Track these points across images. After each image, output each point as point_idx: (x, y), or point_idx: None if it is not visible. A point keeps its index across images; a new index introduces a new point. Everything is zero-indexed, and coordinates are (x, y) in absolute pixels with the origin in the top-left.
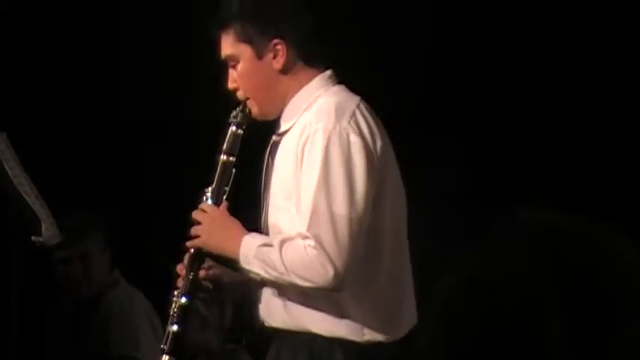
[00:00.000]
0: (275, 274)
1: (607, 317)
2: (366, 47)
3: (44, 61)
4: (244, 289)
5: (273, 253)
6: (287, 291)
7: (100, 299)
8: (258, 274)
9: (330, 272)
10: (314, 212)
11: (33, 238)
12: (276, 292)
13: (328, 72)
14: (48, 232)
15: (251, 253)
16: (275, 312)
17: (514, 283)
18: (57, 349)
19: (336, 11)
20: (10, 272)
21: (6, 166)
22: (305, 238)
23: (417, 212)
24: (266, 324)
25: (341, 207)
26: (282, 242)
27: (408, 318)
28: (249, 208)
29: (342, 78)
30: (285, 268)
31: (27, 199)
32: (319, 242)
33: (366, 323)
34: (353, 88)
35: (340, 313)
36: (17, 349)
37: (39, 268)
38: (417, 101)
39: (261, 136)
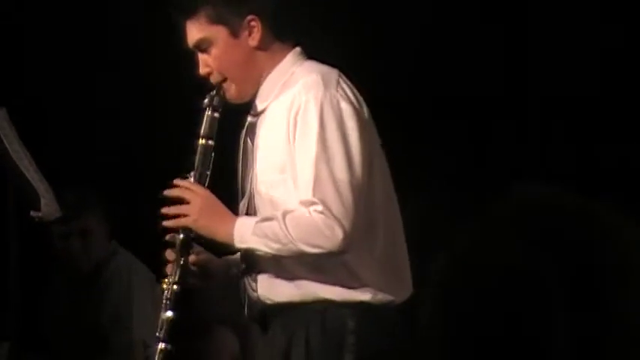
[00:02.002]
0: (277, 246)
1: (604, 295)
2: (351, 21)
3: (43, 36)
4: (229, 274)
5: (275, 226)
6: (294, 264)
7: (100, 272)
8: (256, 250)
9: (340, 235)
10: (317, 179)
11: (32, 213)
12: (281, 267)
13: (298, 48)
14: (47, 207)
15: (248, 231)
16: (280, 287)
17: (510, 261)
18: (57, 322)
19: None
20: (9, 248)
21: (5, 142)
22: (310, 204)
23: (413, 191)
24: (268, 302)
25: (342, 172)
26: (285, 214)
27: (409, 279)
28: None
29: (336, 57)
30: (291, 237)
31: (26, 174)
32: (326, 206)
33: (376, 283)
34: (331, 64)
35: (351, 276)
36: (17, 324)
37: (38, 243)
38: (409, 80)
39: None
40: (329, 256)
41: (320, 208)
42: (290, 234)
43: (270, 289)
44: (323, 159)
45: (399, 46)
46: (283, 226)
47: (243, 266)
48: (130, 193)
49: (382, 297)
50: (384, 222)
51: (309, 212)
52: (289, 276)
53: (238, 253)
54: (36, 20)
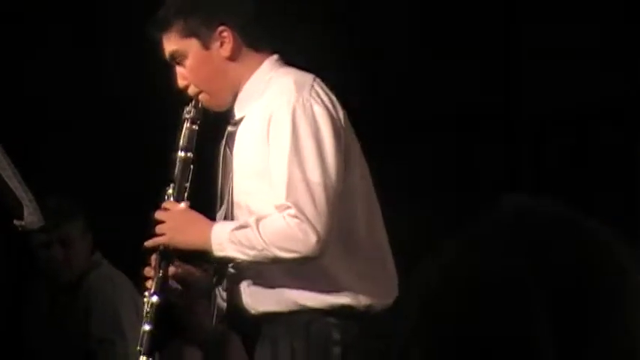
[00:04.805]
0: (253, 252)
1: (591, 309)
2: (341, 33)
3: (26, 52)
4: (210, 286)
5: (249, 233)
6: (276, 272)
7: (82, 282)
8: (234, 259)
9: (313, 238)
10: (290, 182)
11: (15, 222)
12: (263, 276)
13: (275, 56)
14: (31, 216)
15: (224, 239)
16: (265, 296)
17: (496, 273)
18: (37, 333)
19: None
20: None
21: None
22: (284, 208)
23: (402, 201)
24: (253, 312)
25: (315, 174)
26: (258, 220)
27: (394, 282)
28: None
29: (321, 66)
30: (265, 243)
31: (9, 183)
32: (299, 209)
33: (359, 288)
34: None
35: (333, 282)
36: None
37: (19, 252)
38: (400, 90)
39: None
40: (304, 261)
41: (293, 211)
42: (264, 240)
43: (257, 298)
44: (296, 162)
45: (387, 52)
46: (257, 233)
47: (215, 277)
48: (113, 203)
49: (364, 300)
50: (366, 225)
51: (283, 217)
52: (270, 284)
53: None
54: (24, 26)
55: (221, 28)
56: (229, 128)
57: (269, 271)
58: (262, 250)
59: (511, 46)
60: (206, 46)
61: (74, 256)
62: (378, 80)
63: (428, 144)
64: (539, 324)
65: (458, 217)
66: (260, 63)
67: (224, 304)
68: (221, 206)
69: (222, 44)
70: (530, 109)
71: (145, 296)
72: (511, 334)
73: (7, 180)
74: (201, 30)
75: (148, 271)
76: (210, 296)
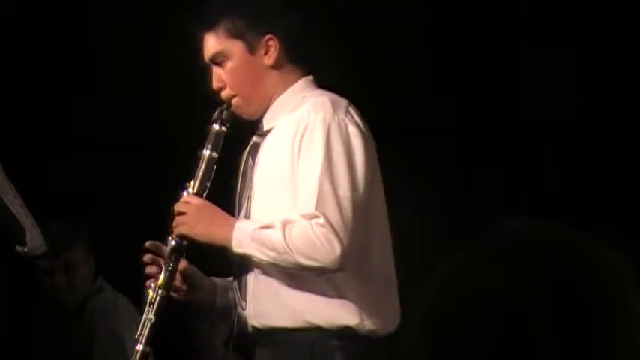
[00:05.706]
0: (273, 254)
1: (591, 327)
2: (349, 49)
3: (24, 66)
4: (213, 292)
5: (273, 234)
6: (283, 285)
7: (86, 306)
8: (251, 257)
9: (338, 250)
10: (320, 194)
11: (17, 247)
12: (269, 289)
13: (310, 76)
14: (33, 241)
15: (246, 236)
16: (270, 310)
17: (498, 292)
18: (42, 358)
19: (321, 12)
20: None
21: None
22: (312, 217)
23: (404, 218)
24: (255, 324)
25: (345, 190)
26: (285, 223)
27: (397, 311)
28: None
29: (327, 79)
30: (288, 247)
31: (11, 208)
32: (327, 220)
33: (366, 312)
34: (336, 90)
35: (341, 302)
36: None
37: (23, 277)
38: (403, 105)
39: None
40: (323, 271)
41: (322, 221)
42: (287, 244)
43: (261, 311)
44: (327, 176)
45: (390, 68)
46: (281, 236)
47: (235, 282)
48: (117, 228)
49: (368, 324)
50: (380, 251)
51: (310, 225)
52: (280, 298)
53: (226, 278)
54: (32, 50)
55: (268, 36)
56: (254, 139)
57: (277, 281)
58: (283, 253)
59: (512, 53)
60: (251, 50)
61: (78, 281)
62: (376, 85)
63: (428, 150)
64: (540, 342)
65: (457, 225)
66: (296, 79)
67: (244, 313)
68: (238, 215)
69: (266, 52)
70: (531, 117)
71: (149, 286)
72: (512, 350)
73: (9, 205)
74: (248, 33)
75: (148, 259)
76: (208, 304)
